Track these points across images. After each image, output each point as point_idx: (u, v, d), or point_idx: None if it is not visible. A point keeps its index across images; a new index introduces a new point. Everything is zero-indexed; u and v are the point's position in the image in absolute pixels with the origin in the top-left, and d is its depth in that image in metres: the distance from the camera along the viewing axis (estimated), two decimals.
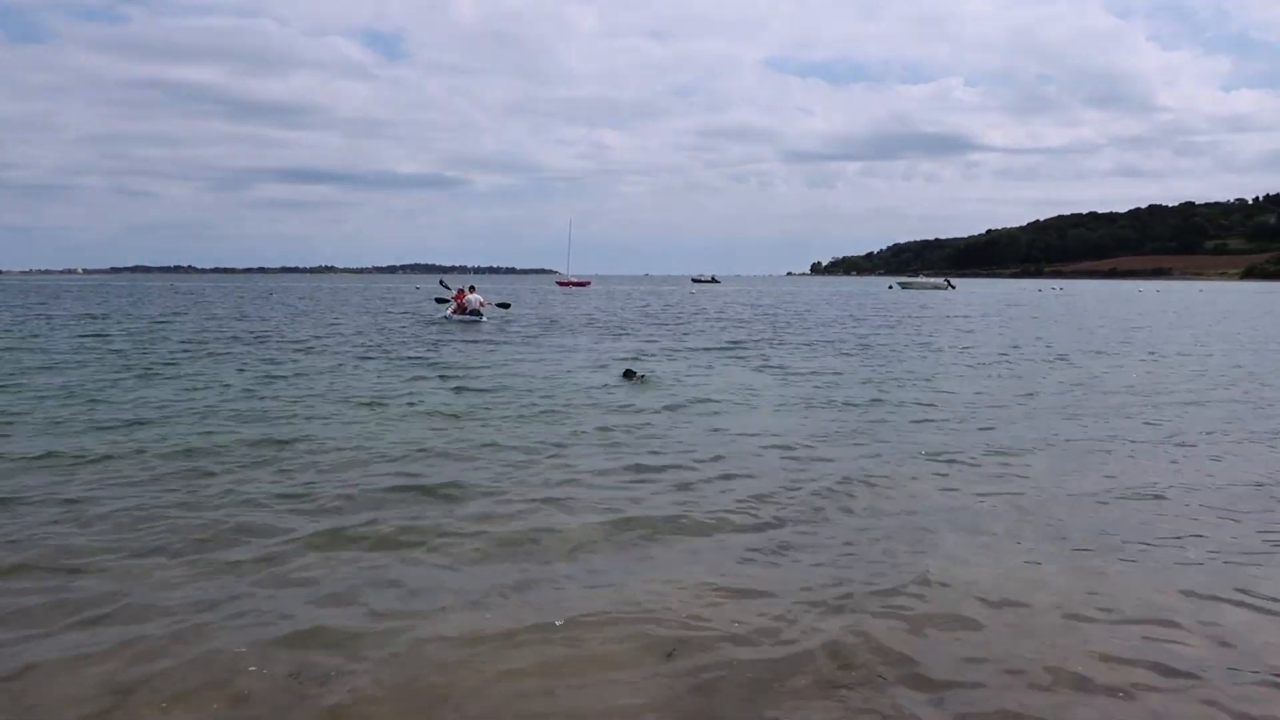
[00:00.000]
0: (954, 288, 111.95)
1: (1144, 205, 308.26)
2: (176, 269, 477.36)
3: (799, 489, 8.76)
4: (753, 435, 11.70)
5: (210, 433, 11.50)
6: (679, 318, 43.16)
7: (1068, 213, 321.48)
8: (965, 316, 46.23)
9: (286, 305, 56.77)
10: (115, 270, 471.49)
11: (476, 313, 35.74)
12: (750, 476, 9.30)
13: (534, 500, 8.34)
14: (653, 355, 22.84)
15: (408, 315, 43.28)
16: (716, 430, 12.10)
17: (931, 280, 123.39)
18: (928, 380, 17.99)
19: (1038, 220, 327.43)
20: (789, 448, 10.82)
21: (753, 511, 7.98)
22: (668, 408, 13.95)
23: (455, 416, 13.01)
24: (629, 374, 18.80)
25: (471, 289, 37.40)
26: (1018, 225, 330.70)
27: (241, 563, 6.59)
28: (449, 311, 37.05)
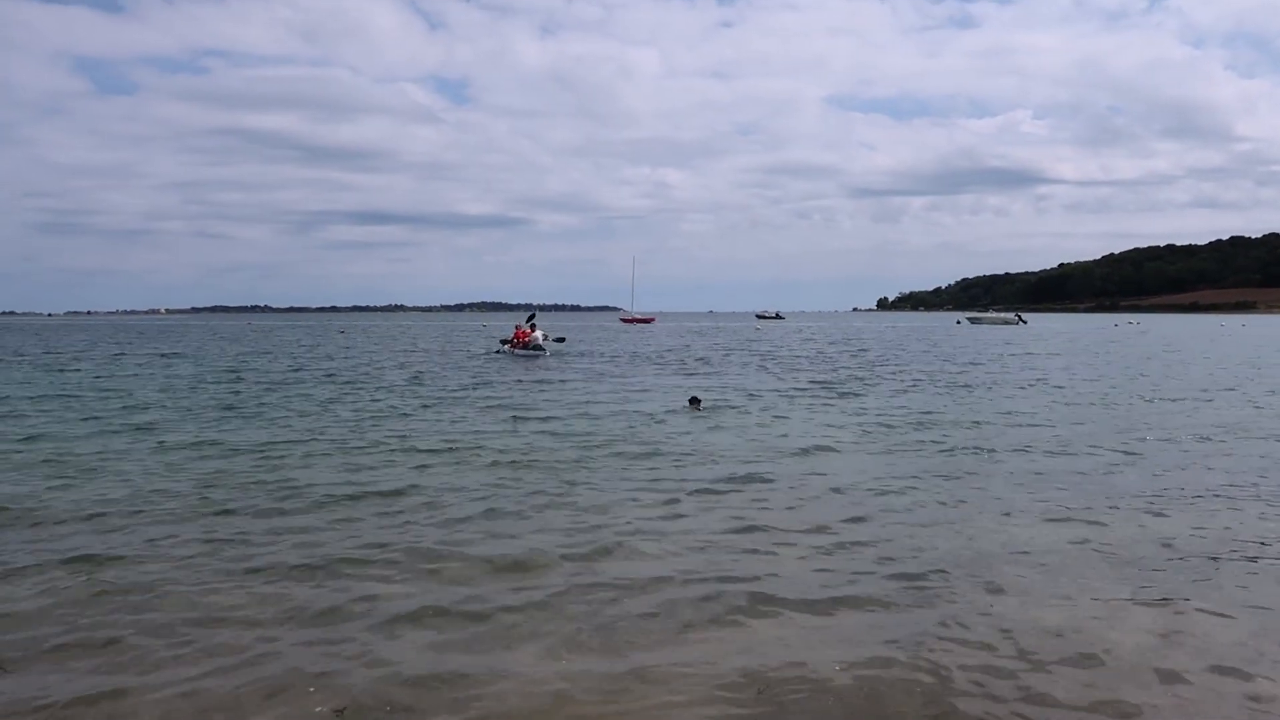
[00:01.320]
0: (1025, 323, 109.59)
1: (1225, 237, 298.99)
2: (254, 309, 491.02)
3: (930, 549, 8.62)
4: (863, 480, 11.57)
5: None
6: (762, 354, 43.00)
7: (1144, 245, 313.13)
8: (1055, 354, 45.19)
9: (378, 345, 57.92)
10: (195, 310, 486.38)
11: (539, 347, 37.38)
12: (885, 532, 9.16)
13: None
14: (762, 393, 22.73)
15: (495, 358, 43.76)
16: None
17: (1002, 315, 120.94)
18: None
19: (1112, 253, 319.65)
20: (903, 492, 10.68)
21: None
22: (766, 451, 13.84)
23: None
24: (694, 401, 19.04)
25: (534, 327, 39.03)
26: (1091, 259, 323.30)
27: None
28: (508, 347, 38.77)
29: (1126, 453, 12.99)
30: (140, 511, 9.30)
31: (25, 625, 6.09)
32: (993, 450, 13.28)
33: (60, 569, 7.30)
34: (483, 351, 42.60)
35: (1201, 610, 6.30)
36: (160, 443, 13.97)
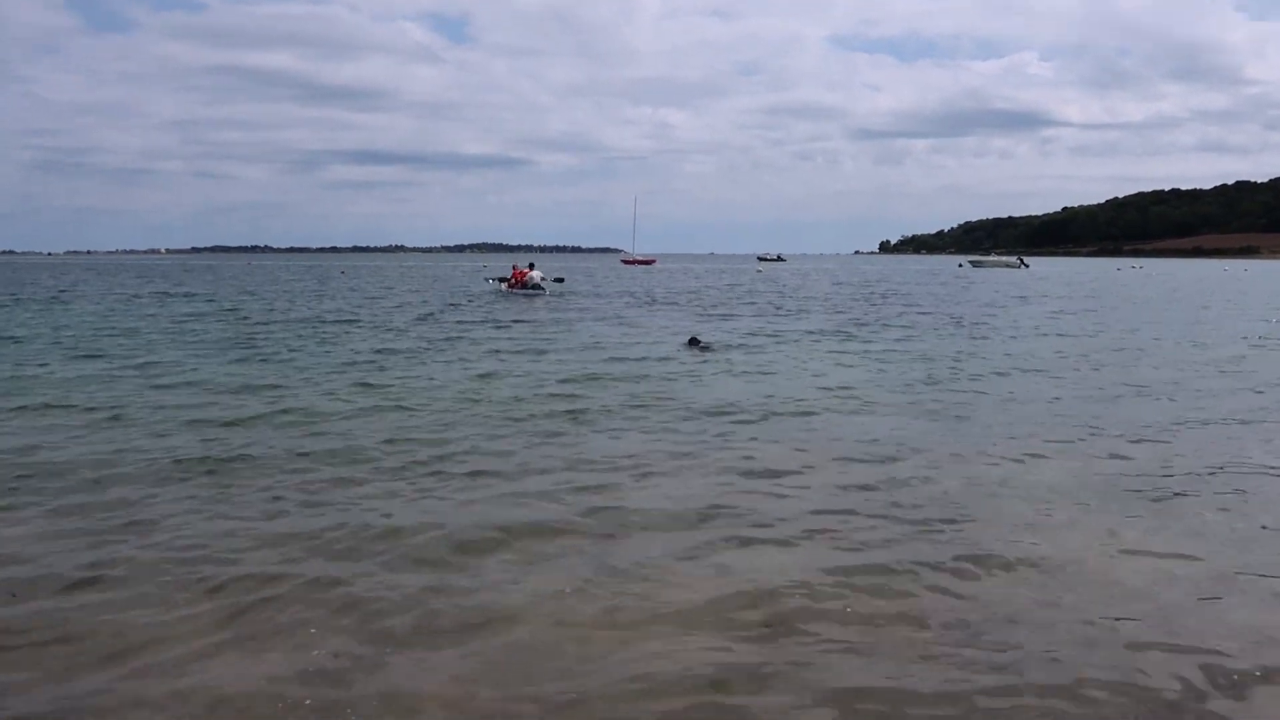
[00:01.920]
0: (1027, 266, 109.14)
1: (1230, 181, 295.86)
2: (254, 248, 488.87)
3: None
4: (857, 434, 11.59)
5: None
6: (765, 296, 42.91)
7: (1148, 190, 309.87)
8: (1056, 297, 45.08)
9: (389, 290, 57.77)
10: (196, 250, 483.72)
11: (538, 287, 37.63)
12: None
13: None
14: (765, 334, 22.74)
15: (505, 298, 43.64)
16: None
17: (1004, 259, 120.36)
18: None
19: (1116, 197, 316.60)
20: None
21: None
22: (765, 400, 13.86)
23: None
24: (694, 341, 19.16)
25: (531, 266, 39.49)
26: (1095, 203, 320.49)
27: None
28: (504, 286, 39.01)
29: (1133, 385, 13.05)
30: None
31: (33, 557, 6.14)
32: (1008, 390, 13.32)
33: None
34: (481, 291, 42.54)
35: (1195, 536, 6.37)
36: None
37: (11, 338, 20.80)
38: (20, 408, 11.52)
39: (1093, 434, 10.18)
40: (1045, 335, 22.68)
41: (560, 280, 42.57)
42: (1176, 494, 7.72)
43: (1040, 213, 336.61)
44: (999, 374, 15.29)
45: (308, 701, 4.20)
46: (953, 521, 6.89)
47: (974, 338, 21.91)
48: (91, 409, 11.37)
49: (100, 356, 17.04)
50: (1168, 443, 9.74)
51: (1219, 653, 4.73)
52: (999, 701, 4.26)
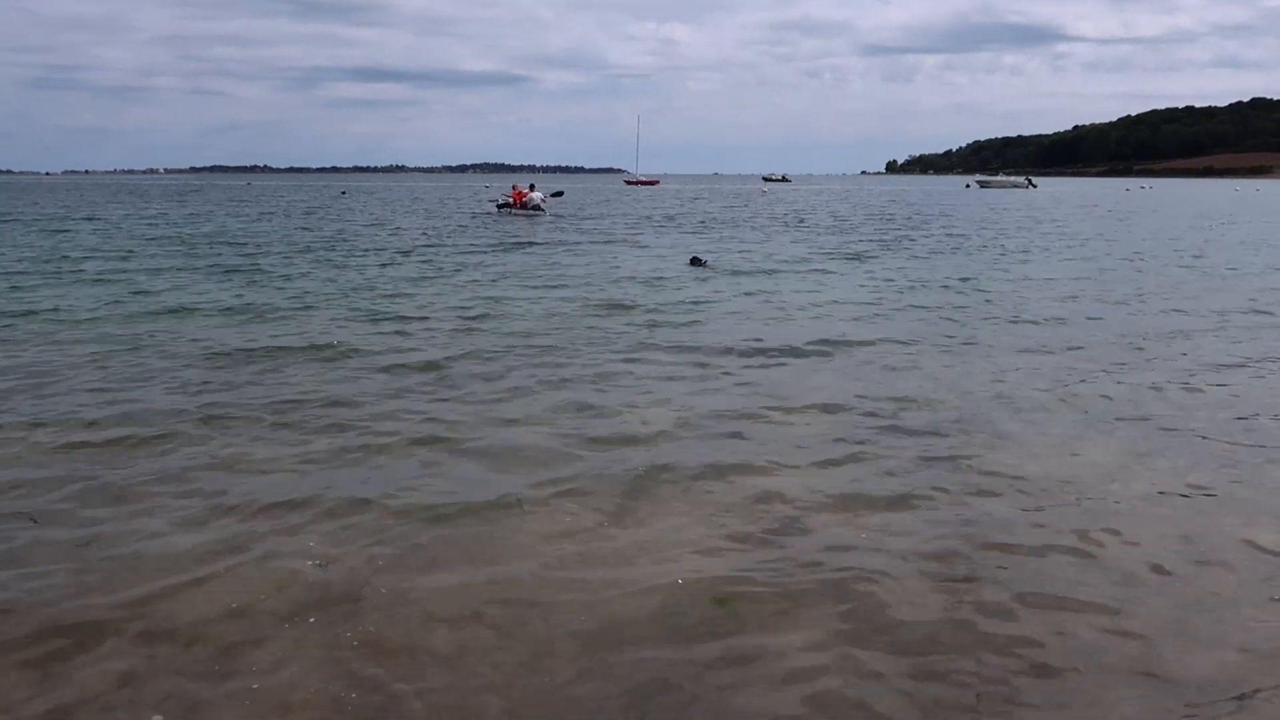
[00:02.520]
0: (1035, 187, 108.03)
1: (1246, 99, 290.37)
2: (253, 168, 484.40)
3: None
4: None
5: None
6: (770, 216, 42.59)
7: (1161, 107, 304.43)
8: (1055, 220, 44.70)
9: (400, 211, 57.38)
10: (194, 170, 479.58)
11: (538, 208, 37.38)
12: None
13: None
14: (769, 255, 22.64)
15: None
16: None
17: (1011, 179, 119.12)
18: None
19: (1129, 115, 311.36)
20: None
21: None
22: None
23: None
24: (696, 260, 19.16)
25: (532, 187, 39.32)
26: (1107, 121, 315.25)
27: None
28: (506, 209, 38.83)
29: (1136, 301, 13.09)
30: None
31: (48, 479, 6.26)
32: (1015, 313, 13.36)
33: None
34: (483, 213, 42.14)
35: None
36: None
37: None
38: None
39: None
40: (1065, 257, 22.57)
41: (559, 194, 42.60)
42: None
43: (1050, 131, 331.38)
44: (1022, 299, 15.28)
45: None
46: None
47: (989, 256, 21.81)
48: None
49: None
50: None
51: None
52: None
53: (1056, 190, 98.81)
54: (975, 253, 23.80)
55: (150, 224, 35.36)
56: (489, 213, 40.59)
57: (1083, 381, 9.02)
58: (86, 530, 5.36)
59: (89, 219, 38.54)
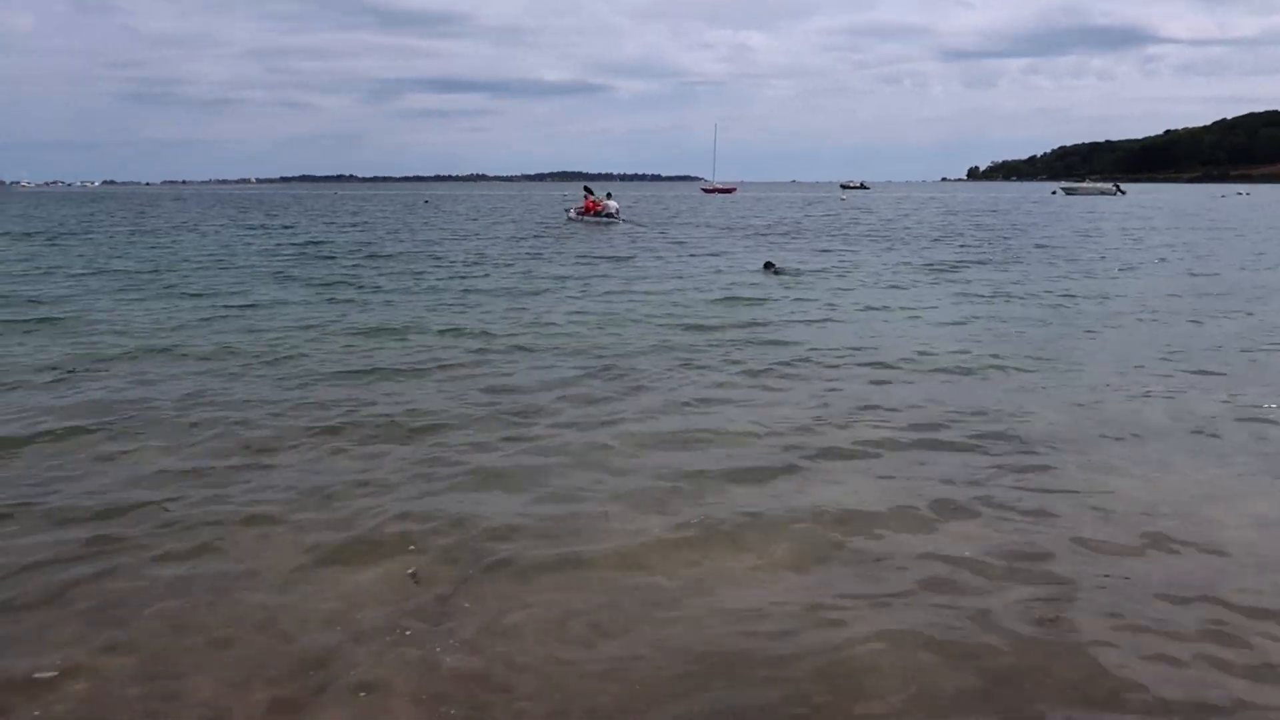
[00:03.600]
0: (1124, 193, 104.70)
1: None
2: (339, 178, 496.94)
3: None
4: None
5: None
6: (854, 225, 42.18)
7: (1259, 110, 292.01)
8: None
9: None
10: (285, 180, 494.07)
11: (611, 216, 37.59)
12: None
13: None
14: (857, 264, 22.44)
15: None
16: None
17: (1098, 185, 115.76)
18: None
19: (1224, 119, 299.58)
20: None
21: None
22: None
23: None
24: (769, 266, 19.23)
25: (609, 196, 39.82)
26: (1200, 125, 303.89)
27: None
28: (576, 214, 39.41)
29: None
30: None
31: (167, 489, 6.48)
32: (1115, 321, 12.99)
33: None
34: (560, 222, 42.06)
35: None
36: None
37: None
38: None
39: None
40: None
41: (643, 225, 42.61)
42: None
43: (1140, 136, 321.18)
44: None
45: None
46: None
47: (1079, 274, 21.18)
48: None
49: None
50: None
51: None
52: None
53: (1146, 198, 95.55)
54: (1075, 263, 23.09)
55: (342, 231, 36.56)
56: (571, 218, 40.77)
57: (1193, 401, 8.70)
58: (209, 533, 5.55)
59: (261, 227, 39.91)
